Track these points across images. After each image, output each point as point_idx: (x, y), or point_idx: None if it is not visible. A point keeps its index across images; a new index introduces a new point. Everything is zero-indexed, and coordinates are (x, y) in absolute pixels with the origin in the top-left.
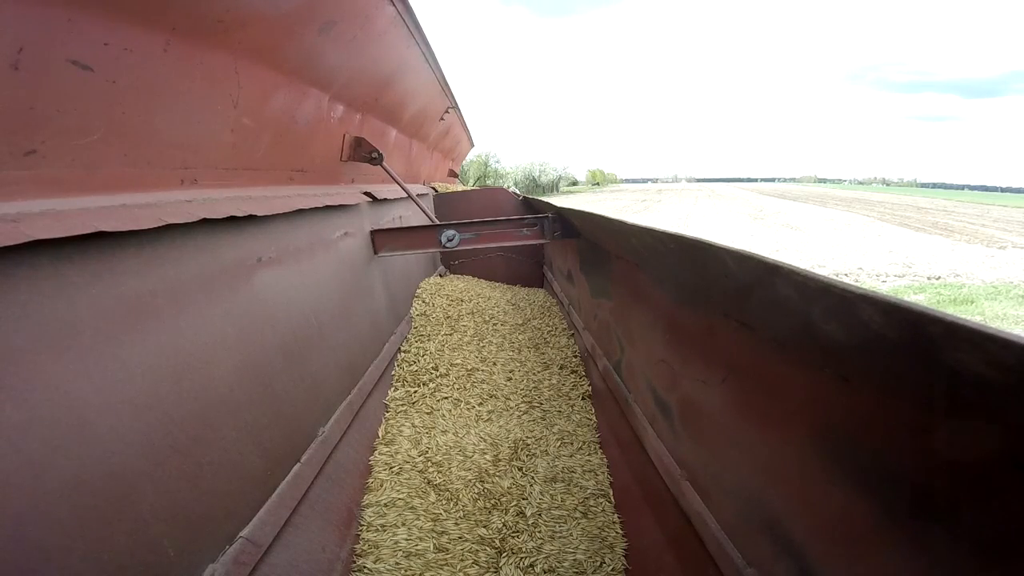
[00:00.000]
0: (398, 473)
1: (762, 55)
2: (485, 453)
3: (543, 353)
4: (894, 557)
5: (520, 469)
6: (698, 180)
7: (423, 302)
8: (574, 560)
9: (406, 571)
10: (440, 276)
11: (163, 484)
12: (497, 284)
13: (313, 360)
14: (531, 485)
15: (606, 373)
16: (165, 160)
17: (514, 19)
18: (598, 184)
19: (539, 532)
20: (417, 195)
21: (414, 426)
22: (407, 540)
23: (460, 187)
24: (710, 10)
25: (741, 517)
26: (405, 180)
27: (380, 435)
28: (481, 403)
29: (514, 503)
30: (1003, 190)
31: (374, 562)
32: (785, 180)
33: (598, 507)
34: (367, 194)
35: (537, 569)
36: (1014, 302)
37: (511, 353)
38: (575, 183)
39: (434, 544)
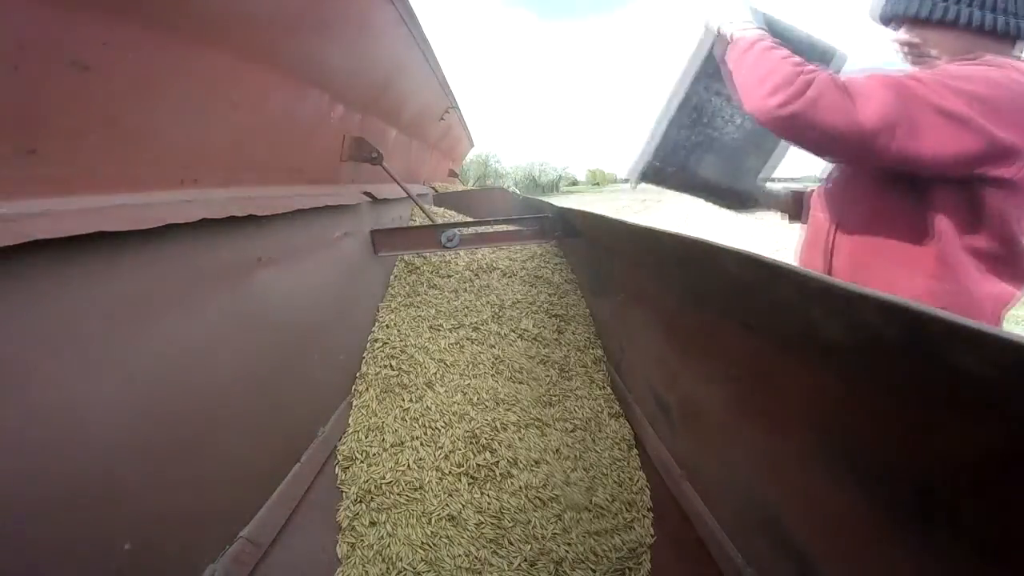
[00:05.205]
0: None
1: None
2: None
3: None
4: (894, 557)
5: None
6: None
7: None
8: None
9: None
10: None
11: (163, 484)
12: None
13: (313, 360)
14: None
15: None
16: (165, 160)
17: (516, 21)
18: (598, 184)
19: None
20: (417, 195)
21: None
22: None
23: (460, 187)
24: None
25: (741, 517)
26: (405, 180)
27: None
28: None
29: None
30: None
31: None
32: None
33: None
34: (367, 194)
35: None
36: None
37: None
38: (575, 183)
39: None
